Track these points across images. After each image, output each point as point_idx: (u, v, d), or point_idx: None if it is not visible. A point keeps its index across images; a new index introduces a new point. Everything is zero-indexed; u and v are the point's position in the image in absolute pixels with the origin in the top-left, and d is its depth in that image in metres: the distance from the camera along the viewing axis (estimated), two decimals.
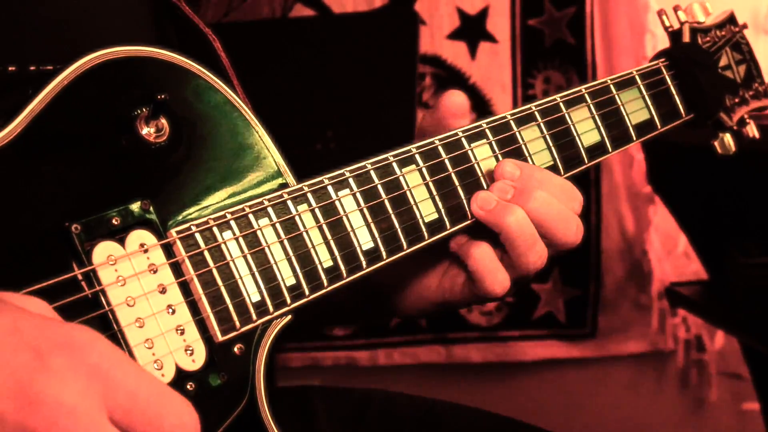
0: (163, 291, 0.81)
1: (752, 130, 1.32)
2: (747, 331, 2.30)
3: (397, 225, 0.96)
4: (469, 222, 1.01)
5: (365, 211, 0.94)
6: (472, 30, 2.83)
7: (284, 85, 2.63)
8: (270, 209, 0.88)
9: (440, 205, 1.00)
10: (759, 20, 2.77)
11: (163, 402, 0.65)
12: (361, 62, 2.68)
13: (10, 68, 0.84)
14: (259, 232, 0.87)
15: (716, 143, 1.29)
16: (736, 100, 1.29)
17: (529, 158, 1.08)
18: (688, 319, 2.89)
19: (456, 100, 1.08)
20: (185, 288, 0.82)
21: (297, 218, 0.89)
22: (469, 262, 1.00)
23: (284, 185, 0.91)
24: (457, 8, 2.81)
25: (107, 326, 0.77)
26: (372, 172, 0.95)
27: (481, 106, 2.83)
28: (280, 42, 2.68)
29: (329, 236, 0.91)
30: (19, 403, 0.60)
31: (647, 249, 2.85)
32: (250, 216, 0.87)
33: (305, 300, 0.89)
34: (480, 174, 1.04)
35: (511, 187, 1.00)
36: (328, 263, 0.91)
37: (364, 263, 0.93)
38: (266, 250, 0.87)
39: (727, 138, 1.28)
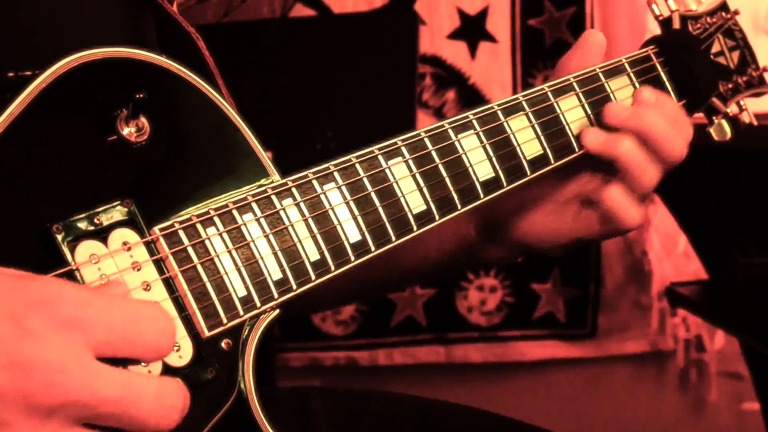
0: (148, 288, 0.81)
1: (749, 116, 1.31)
2: (747, 331, 2.29)
3: (384, 217, 0.95)
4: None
5: (351, 204, 0.93)
6: (472, 30, 2.83)
7: (284, 85, 2.64)
8: (254, 204, 0.87)
9: (428, 196, 0.99)
10: (759, 20, 2.76)
11: (137, 320, 0.67)
12: (361, 62, 2.69)
13: None
14: (243, 227, 0.86)
15: (712, 129, 1.28)
16: (730, 86, 1.28)
17: (518, 148, 1.07)
18: (688, 319, 2.89)
19: (598, 37, 1.18)
20: (170, 285, 0.82)
21: (282, 213, 0.89)
22: (604, 206, 1.11)
23: (269, 182, 0.91)
24: (457, 8, 2.81)
25: None
26: (357, 165, 0.95)
27: (481, 106, 2.83)
28: (280, 42, 2.69)
29: (315, 230, 0.90)
30: (13, 372, 0.62)
31: (647, 249, 2.84)
32: (234, 211, 0.86)
33: (293, 294, 0.88)
34: (468, 164, 1.04)
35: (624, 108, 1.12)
36: (315, 257, 0.90)
37: (352, 256, 0.93)
38: (251, 245, 0.86)
39: (723, 124, 1.27)
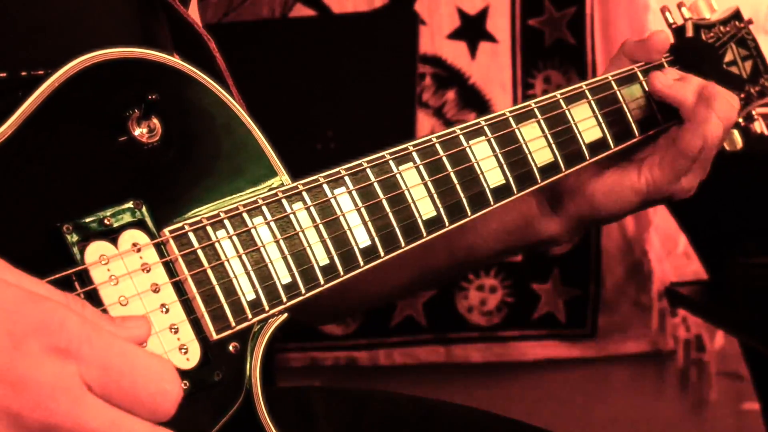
0: (157, 290, 0.81)
1: (760, 125, 1.30)
2: (747, 331, 2.30)
3: (394, 223, 0.95)
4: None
5: (362, 209, 0.93)
6: (472, 30, 2.83)
7: (284, 85, 2.64)
8: (264, 208, 0.87)
9: (439, 203, 0.99)
10: (759, 20, 2.76)
11: (136, 370, 0.65)
12: (361, 62, 2.68)
13: (0, 74, 0.85)
14: (253, 231, 0.86)
15: None
16: (742, 96, 1.28)
17: (529, 156, 1.07)
18: (688, 319, 2.89)
19: (662, 36, 1.21)
20: (179, 287, 0.82)
21: (292, 217, 0.89)
22: (682, 141, 1.15)
23: (280, 185, 0.91)
24: (457, 8, 2.81)
25: None
26: (368, 171, 0.95)
27: (481, 106, 2.83)
28: (280, 42, 2.68)
29: (325, 235, 0.90)
30: (4, 388, 0.62)
31: (647, 249, 2.84)
32: (244, 215, 0.86)
33: (301, 298, 0.88)
34: (479, 171, 1.03)
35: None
36: (324, 262, 0.90)
37: (361, 262, 0.93)
38: (261, 249, 0.86)
39: (734, 134, 1.27)
